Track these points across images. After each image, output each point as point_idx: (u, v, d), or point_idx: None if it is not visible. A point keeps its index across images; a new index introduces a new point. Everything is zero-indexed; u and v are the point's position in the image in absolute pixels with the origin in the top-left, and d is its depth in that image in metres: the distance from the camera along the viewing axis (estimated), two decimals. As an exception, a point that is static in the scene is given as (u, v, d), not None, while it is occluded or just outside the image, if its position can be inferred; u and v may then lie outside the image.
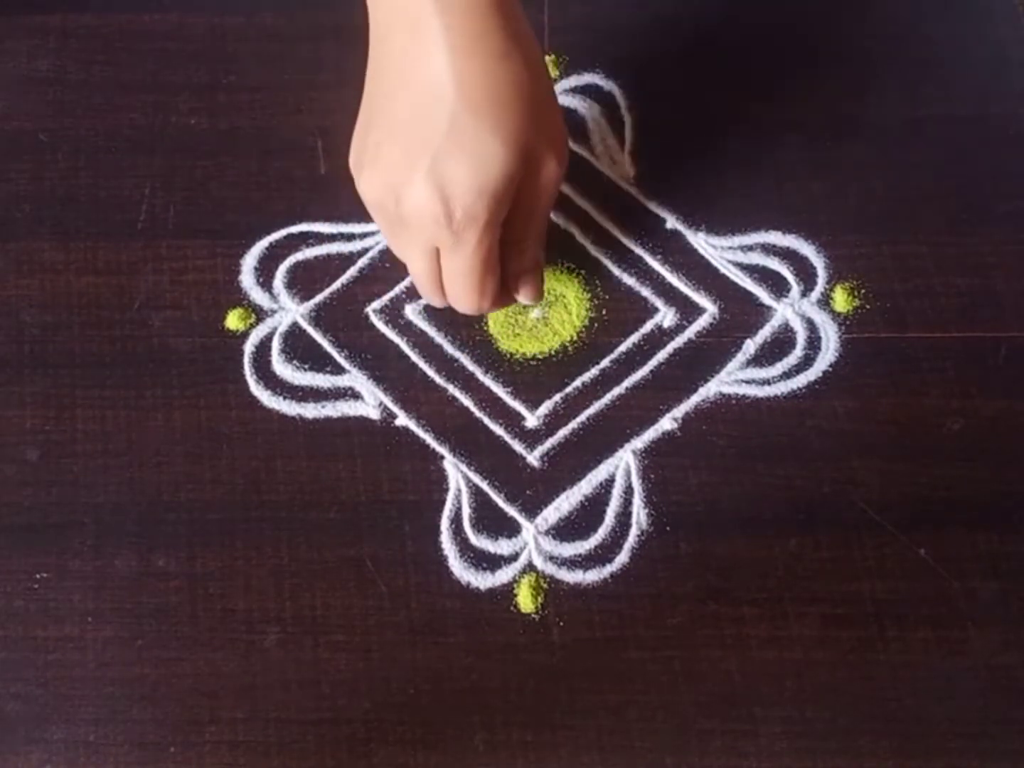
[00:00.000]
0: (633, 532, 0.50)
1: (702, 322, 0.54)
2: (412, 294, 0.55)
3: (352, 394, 0.53)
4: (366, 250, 0.56)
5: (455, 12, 0.43)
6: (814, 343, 0.54)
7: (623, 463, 0.51)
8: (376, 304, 0.55)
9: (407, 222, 0.45)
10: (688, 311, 0.54)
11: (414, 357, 0.53)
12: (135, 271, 0.55)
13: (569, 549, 0.50)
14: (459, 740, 0.47)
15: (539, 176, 0.45)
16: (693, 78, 0.59)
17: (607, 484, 0.51)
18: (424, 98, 0.43)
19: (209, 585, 0.49)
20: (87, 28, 0.61)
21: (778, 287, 0.55)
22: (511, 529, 0.50)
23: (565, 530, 0.50)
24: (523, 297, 0.50)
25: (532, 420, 0.52)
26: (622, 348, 0.53)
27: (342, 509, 0.50)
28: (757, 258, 0.55)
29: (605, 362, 0.53)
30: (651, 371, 0.53)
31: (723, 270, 0.55)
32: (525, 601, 0.49)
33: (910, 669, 0.47)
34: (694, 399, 0.52)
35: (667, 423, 0.52)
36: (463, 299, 0.48)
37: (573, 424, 0.52)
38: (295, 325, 0.54)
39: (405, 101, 0.44)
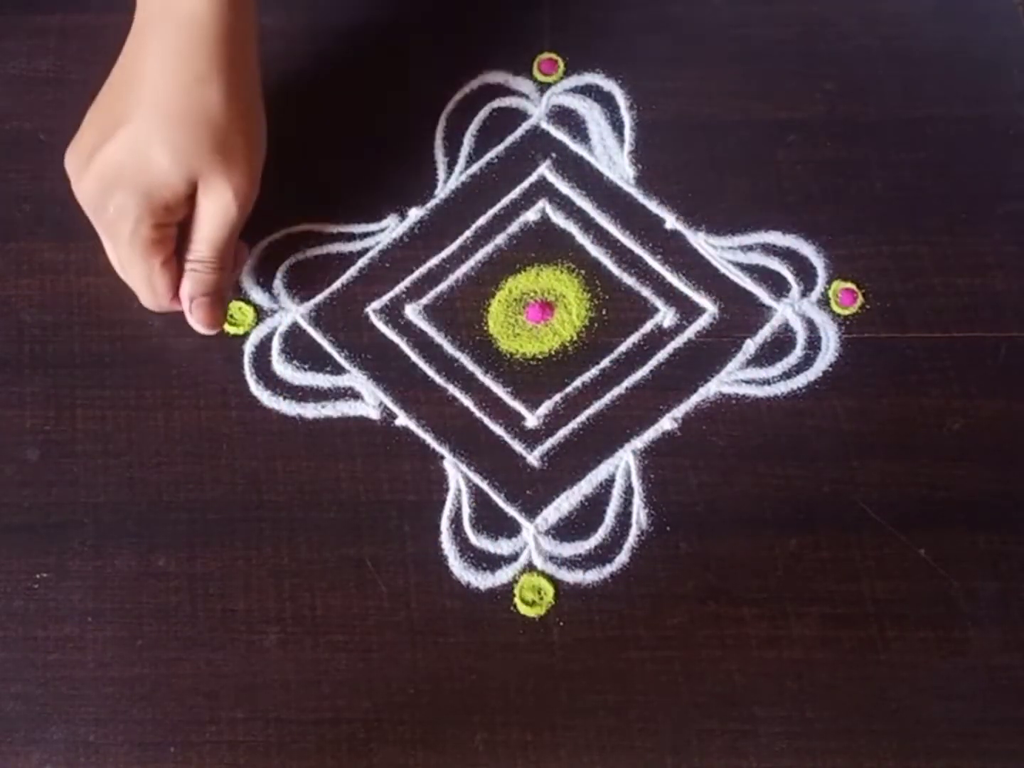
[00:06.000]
0: (633, 532, 0.50)
1: (702, 322, 0.54)
2: (412, 294, 0.55)
3: (352, 394, 0.53)
4: (366, 250, 0.56)
5: (169, 32, 0.48)
6: (814, 343, 0.53)
7: (623, 463, 0.51)
8: (376, 304, 0.55)
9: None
10: (688, 311, 0.54)
11: (414, 357, 0.53)
12: (135, 271, 0.55)
13: (569, 549, 0.50)
14: (459, 740, 0.47)
15: (212, 202, 0.49)
16: (693, 78, 0.59)
17: (607, 484, 0.51)
18: (123, 94, 0.49)
19: (209, 585, 0.49)
20: (87, 28, 0.61)
21: (778, 287, 0.55)
22: (511, 529, 0.50)
23: (565, 530, 0.50)
24: (193, 321, 0.52)
25: (532, 420, 0.52)
26: (622, 348, 0.53)
27: (342, 509, 0.50)
28: (757, 258, 0.55)
29: (605, 362, 0.53)
30: (651, 371, 0.53)
31: (723, 270, 0.55)
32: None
33: (910, 669, 0.47)
34: (694, 399, 0.52)
35: (667, 423, 0.52)
36: (138, 293, 0.51)
37: (573, 424, 0.52)
38: (295, 325, 0.54)
39: (112, 95, 0.50)
